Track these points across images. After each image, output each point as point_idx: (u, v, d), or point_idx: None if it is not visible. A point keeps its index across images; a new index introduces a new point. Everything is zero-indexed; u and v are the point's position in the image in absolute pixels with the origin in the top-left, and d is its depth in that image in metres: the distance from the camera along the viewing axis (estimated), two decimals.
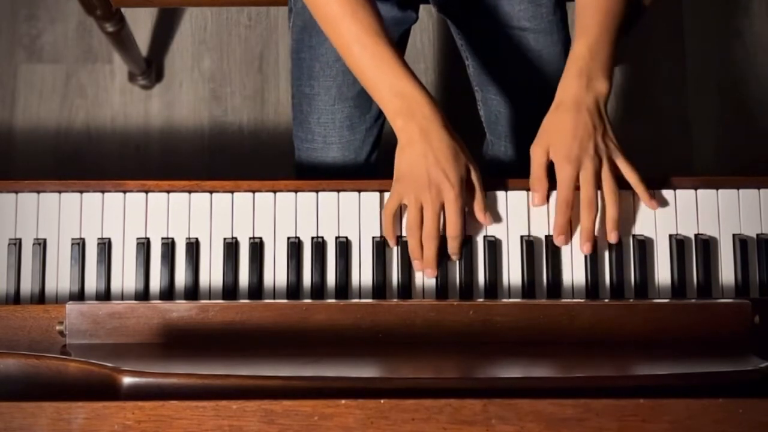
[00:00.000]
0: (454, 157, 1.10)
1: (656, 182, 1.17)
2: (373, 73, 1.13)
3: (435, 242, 1.11)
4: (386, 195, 1.15)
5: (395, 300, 1.12)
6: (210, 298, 1.13)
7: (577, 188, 1.12)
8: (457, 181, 1.10)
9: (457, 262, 1.14)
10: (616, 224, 1.12)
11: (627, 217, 1.15)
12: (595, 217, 1.12)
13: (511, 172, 1.37)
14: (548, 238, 1.14)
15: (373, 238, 1.14)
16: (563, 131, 1.12)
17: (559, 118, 1.14)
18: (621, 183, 1.14)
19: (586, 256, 1.14)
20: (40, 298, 1.13)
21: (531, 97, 1.34)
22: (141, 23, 2.04)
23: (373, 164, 1.37)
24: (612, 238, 1.13)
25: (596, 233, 1.13)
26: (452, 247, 1.12)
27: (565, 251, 1.15)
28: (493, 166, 1.41)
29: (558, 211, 1.12)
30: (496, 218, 1.15)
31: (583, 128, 1.12)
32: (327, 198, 1.15)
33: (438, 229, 1.11)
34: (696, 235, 1.15)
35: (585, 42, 1.14)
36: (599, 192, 1.13)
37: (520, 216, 1.15)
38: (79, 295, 1.12)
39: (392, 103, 1.12)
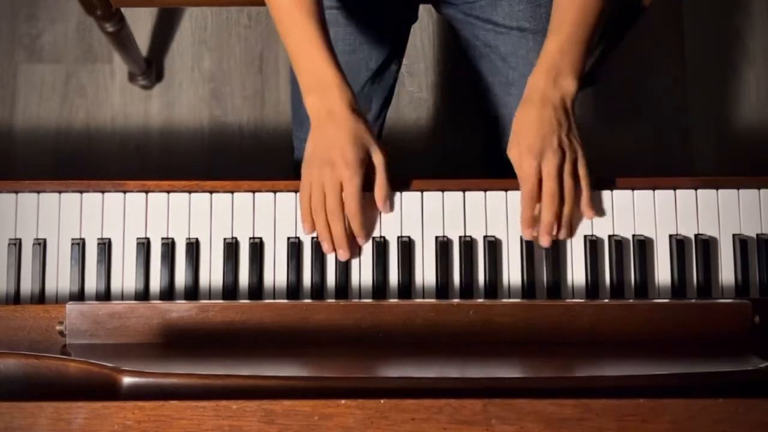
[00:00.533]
0: (354, 137, 1.11)
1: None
2: (297, 49, 1.15)
3: (340, 219, 1.11)
4: None
5: (395, 300, 1.12)
6: (210, 298, 1.13)
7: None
8: (352, 159, 1.10)
9: (457, 262, 1.13)
10: (569, 220, 1.13)
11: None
12: (556, 210, 1.12)
13: (510, 172, 1.37)
14: None
15: (373, 238, 1.14)
16: (528, 125, 1.13)
17: (525, 112, 1.14)
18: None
19: (586, 256, 1.14)
20: (40, 298, 1.13)
21: None
22: (141, 23, 2.04)
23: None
24: (563, 234, 1.13)
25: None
26: (353, 227, 1.12)
27: (565, 251, 1.15)
28: (493, 166, 1.41)
29: (523, 205, 1.13)
30: (497, 218, 1.15)
31: (548, 123, 1.12)
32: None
33: (341, 206, 1.11)
34: (696, 235, 1.15)
35: (556, 39, 1.14)
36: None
37: (519, 216, 1.15)
38: (79, 295, 1.12)
39: (307, 79, 1.15)
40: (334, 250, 1.12)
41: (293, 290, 1.13)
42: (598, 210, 1.15)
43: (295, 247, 1.14)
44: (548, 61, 1.14)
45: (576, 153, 1.13)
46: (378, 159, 1.13)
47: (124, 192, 1.15)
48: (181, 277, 1.13)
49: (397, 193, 1.16)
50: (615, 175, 1.18)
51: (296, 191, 1.15)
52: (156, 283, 1.13)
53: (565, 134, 1.13)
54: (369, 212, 1.13)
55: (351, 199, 1.11)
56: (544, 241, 1.13)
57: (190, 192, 1.15)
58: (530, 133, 1.12)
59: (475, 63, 1.37)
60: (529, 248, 1.14)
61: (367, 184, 1.12)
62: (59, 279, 1.13)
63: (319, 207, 1.11)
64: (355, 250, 1.14)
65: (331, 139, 1.11)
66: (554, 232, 1.12)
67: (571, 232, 1.14)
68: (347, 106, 1.12)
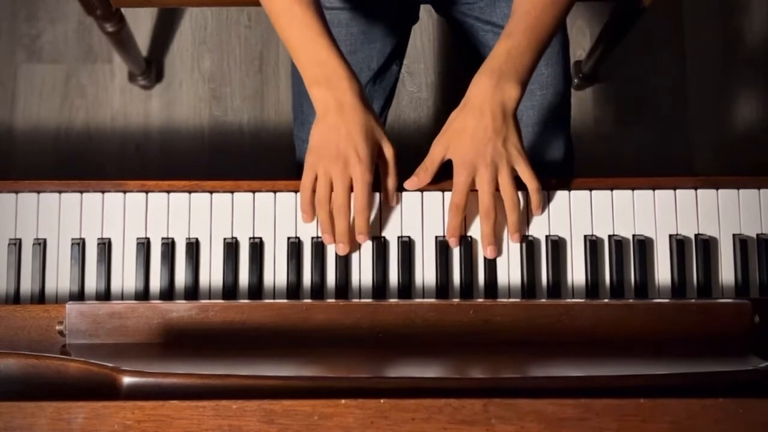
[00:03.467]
0: (366, 132, 1.10)
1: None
2: (298, 40, 1.13)
3: (346, 215, 1.11)
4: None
5: (395, 300, 1.11)
6: (210, 298, 1.13)
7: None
8: (366, 155, 1.09)
9: (457, 262, 1.14)
10: (517, 228, 1.13)
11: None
12: (493, 223, 1.12)
13: None
14: (548, 238, 1.14)
15: (374, 238, 1.14)
16: (463, 134, 1.11)
17: (462, 117, 1.12)
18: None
19: (586, 256, 1.14)
20: (40, 298, 1.13)
21: (527, 97, 1.34)
22: (141, 23, 2.04)
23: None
24: (514, 239, 1.13)
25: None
26: (358, 223, 1.12)
27: (565, 251, 1.15)
28: None
29: (449, 214, 1.13)
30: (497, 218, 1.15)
31: (483, 132, 1.10)
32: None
33: (349, 201, 1.11)
34: (696, 235, 1.15)
35: (506, 44, 1.12)
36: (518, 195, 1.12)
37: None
38: (79, 295, 1.12)
39: (312, 71, 1.12)
40: (335, 241, 1.12)
41: (293, 290, 1.13)
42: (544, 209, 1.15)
43: (295, 247, 1.14)
44: (493, 65, 1.12)
45: (513, 161, 1.12)
46: (389, 152, 1.12)
47: (124, 192, 1.15)
48: (181, 277, 1.13)
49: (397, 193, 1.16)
50: (615, 174, 1.18)
51: (297, 191, 1.15)
52: (156, 283, 1.13)
53: (502, 144, 1.11)
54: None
55: (361, 195, 1.10)
56: (489, 252, 1.13)
57: (190, 192, 1.15)
58: (464, 144, 1.11)
59: (475, 63, 1.37)
60: (529, 248, 1.14)
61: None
62: (59, 279, 1.13)
63: (324, 200, 1.11)
64: (354, 245, 1.13)
65: (342, 133, 1.10)
66: (495, 243, 1.12)
67: (520, 238, 1.13)
68: (358, 98, 1.11)
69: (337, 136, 1.10)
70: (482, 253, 1.14)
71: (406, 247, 1.14)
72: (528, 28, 1.12)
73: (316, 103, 1.12)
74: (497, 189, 1.12)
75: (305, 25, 1.12)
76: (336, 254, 1.13)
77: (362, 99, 1.11)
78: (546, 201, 1.16)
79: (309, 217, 1.13)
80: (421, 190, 1.16)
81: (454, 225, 1.12)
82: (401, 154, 1.15)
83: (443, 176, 1.15)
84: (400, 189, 1.15)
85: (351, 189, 1.11)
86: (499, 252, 1.13)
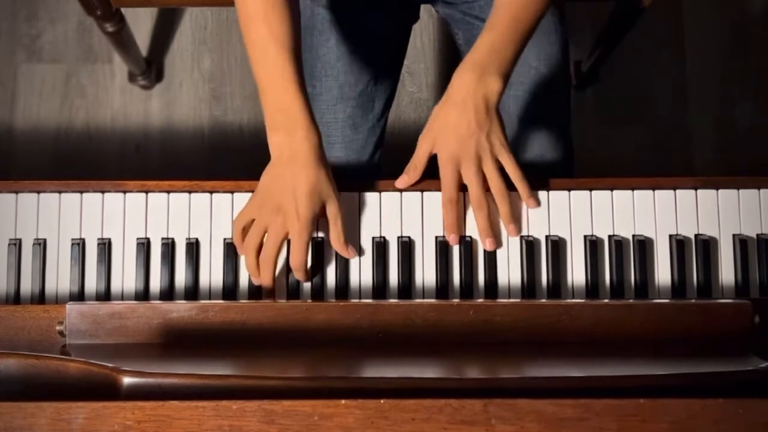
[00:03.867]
0: (311, 190, 1.08)
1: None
2: (266, 81, 1.10)
3: (271, 267, 1.09)
4: (389, 195, 1.15)
5: (395, 300, 1.11)
6: (210, 298, 1.13)
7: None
8: (305, 214, 1.08)
9: (457, 262, 1.13)
10: (510, 218, 1.12)
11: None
12: (487, 214, 1.12)
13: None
14: (548, 237, 1.14)
15: (373, 238, 1.14)
16: (447, 128, 1.12)
17: (445, 112, 1.13)
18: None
19: (586, 256, 1.14)
20: (40, 298, 1.12)
21: (527, 97, 1.34)
22: (141, 23, 2.04)
23: (376, 164, 1.37)
24: (510, 231, 1.13)
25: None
26: (297, 276, 1.11)
27: (565, 251, 1.15)
28: None
29: (443, 210, 1.13)
30: (497, 218, 1.15)
31: (466, 126, 1.11)
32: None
33: (277, 256, 1.09)
34: (696, 235, 1.15)
35: (488, 37, 1.12)
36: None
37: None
38: (79, 295, 1.12)
39: (273, 117, 1.10)
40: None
41: (293, 290, 1.13)
42: (539, 202, 1.15)
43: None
44: (475, 58, 1.12)
45: (497, 153, 1.12)
46: (332, 210, 1.11)
47: (124, 192, 1.15)
48: (181, 277, 1.13)
49: (397, 193, 1.16)
50: (615, 174, 1.18)
51: None
52: (156, 283, 1.13)
53: (485, 137, 1.11)
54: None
55: (298, 253, 1.08)
56: (487, 245, 1.13)
57: (190, 192, 1.15)
58: (448, 138, 1.11)
59: None
60: (529, 248, 1.14)
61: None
62: (59, 279, 1.13)
63: (253, 246, 1.09)
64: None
65: (288, 186, 1.08)
66: (492, 235, 1.12)
67: (517, 229, 1.13)
68: (313, 152, 1.09)
69: (282, 187, 1.08)
70: (482, 252, 1.14)
71: (406, 247, 1.14)
72: (511, 21, 1.12)
73: (272, 149, 1.10)
74: (485, 181, 1.12)
75: (276, 67, 1.09)
76: (336, 254, 1.13)
77: (318, 153, 1.09)
78: (546, 199, 1.16)
79: (240, 249, 1.12)
80: (422, 190, 1.16)
81: (450, 221, 1.12)
82: (400, 154, 1.15)
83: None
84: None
85: (283, 240, 1.09)
86: (499, 244, 1.13)
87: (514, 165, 1.13)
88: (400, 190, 1.15)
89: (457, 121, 1.11)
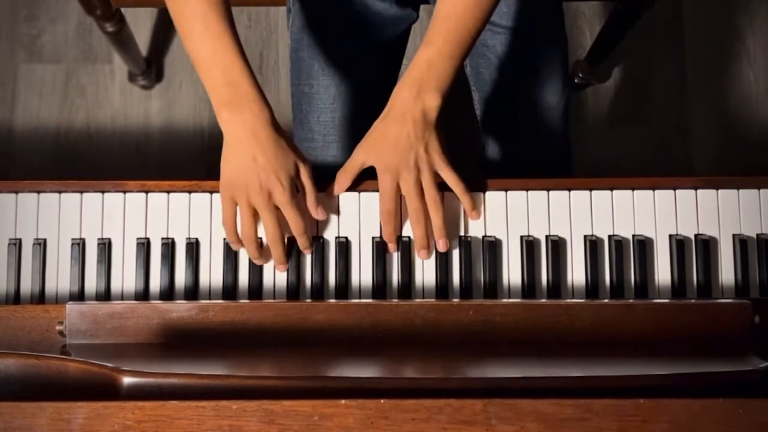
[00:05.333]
0: (283, 157, 1.08)
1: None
2: (208, 57, 1.07)
3: (282, 244, 1.10)
4: None
5: (395, 300, 1.11)
6: (210, 298, 1.13)
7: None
8: (287, 182, 1.08)
9: (457, 262, 1.13)
10: (442, 232, 1.12)
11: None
12: (424, 226, 1.11)
13: (508, 170, 1.37)
14: (548, 237, 1.14)
15: (374, 238, 1.14)
16: (385, 141, 1.11)
17: (384, 126, 1.12)
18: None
19: (586, 256, 1.14)
20: (40, 298, 1.12)
21: (527, 97, 1.34)
22: (141, 23, 2.04)
23: None
24: (441, 246, 1.12)
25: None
26: (301, 243, 1.11)
27: (565, 251, 1.15)
28: (490, 165, 1.41)
29: (382, 221, 1.12)
30: (496, 219, 1.15)
31: (405, 139, 1.10)
32: (327, 198, 1.15)
33: (280, 231, 1.09)
34: (696, 235, 1.15)
35: (426, 53, 1.12)
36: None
37: (520, 216, 1.15)
38: (79, 295, 1.12)
39: (220, 92, 1.07)
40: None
41: (293, 290, 1.13)
42: (479, 214, 1.15)
43: (295, 248, 1.14)
44: (413, 74, 1.12)
45: (437, 167, 1.12)
46: (304, 169, 1.10)
47: (124, 192, 1.15)
48: (181, 277, 1.13)
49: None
50: (615, 174, 1.18)
51: None
52: (156, 283, 1.13)
53: (423, 149, 1.11)
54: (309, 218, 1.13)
55: (295, 220, 1.09)
56: (421, 255, 1.13)
57: (190, 192, 1.15)
58: (387, 151, 1.11)
59: (473, 63, 1.37)
60: (529, 248, 1.14)
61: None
62: (59, 279, 1.13)
63: (251, 235, 1.09)
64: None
65: (261, 164, 1.07)
66: (427, 246, 1.12)
67: (448, 244, 1.13)
68: (270, 123, 1.08)
69: (255, 167, 1.07)
70: (482, 252, 1.14)
71: (406, 247, 1.14)
72: (448, 34, 1.12)
73: (225, 127, 1.08)
74: (423, 193, 1.12)
75: (218, 40, 1.07)
76: (336, 254, 1.13)
77: (273, 122, 1.09)
78: (546, 199, 1.16)
79: (238, 245, 1.12)
80: None
81: (388, 231, 1.12)
82: None
83: None
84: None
85: (278, 213, 1.09)
86: (429, 255, 1.13)
87: (455, 178, 1.13)
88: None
89: (396, 134, 1.11)
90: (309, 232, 1.11)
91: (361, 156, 1.13)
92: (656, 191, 1.16)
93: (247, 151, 1.07)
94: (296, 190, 1.10)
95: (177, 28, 1.10)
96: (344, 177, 1.14)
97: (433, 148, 1.11)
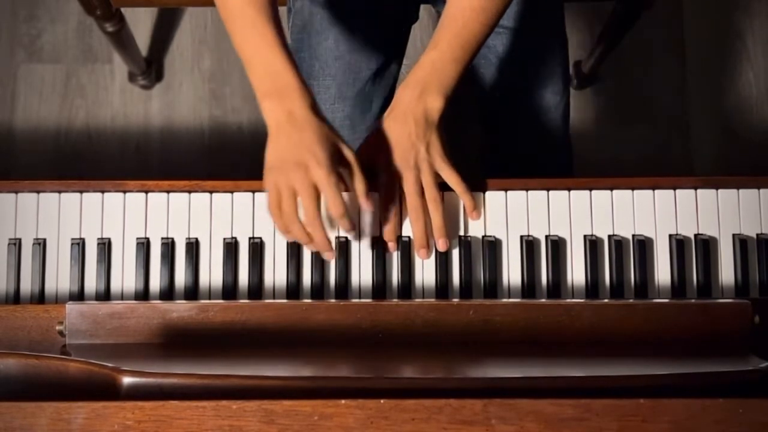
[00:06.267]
0: (321, 137, 1.07)
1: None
2: (251, 48, 1.10)
3: (320, 226, 1.08)
4: None
5: (395, 300, 1.11)
6: (210, 298, 1.13)
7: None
8: (324, 157, 1.06)
9: (457, 262, 1.13)
10: (442, 232, 1.12)
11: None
12: (424, 224, 1.11)
13: (508, 170, 1.37)
14: (548, 237, 1.14)
15: (373, 238, 1.14)
16: (387, 141, 1.12)
17: (386, 125, 1.13)
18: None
19: (586, 256, 1.14)
20: (40, 298, 1.12)
21: (527, 97, 1.34)
22: (141, 23, 2.04)
23: None
24: (440, 245, 1.12)
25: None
26: (342, 225, 1.10)
27: (565, 251, 1.15)
28: (490, 165, 1.41)
29: (382, 220, 1.13)
30: (496, 219, 1.15)
31: (406, 138, 1.11)
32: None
33: (318, 210, 1.08)
34: (696, 235, 1.15)
35: (430, 55, 1.13)
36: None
37: (520, 216, 1.15)
38: (79, 295, 1.12)
39: (263, 83, 1.10)
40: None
41: (293, 290, 1.13)
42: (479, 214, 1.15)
43: (295, 247, 1.14)
44: (417, 76, 1.13)
45: (438, 167, 1.12)
46: (349, 154, 1.10)
47: (124, 192, 1.15)
48: (181, 277, 1.13)
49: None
50: (615, 174, 1.18)
51: None
52: (156, 283, 1.13)
53: (425, 149, 1.11)
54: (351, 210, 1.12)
55: (333, 198, 1.07)
56: (420, 255, 1.13)
57: (190, 192, 1.15)
58: (387, 151, 1.12)
59: (474, 62, 1.37)
60: (529, 248, 1.14)
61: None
62: (59, 279, 1.13)
63: (293, 215, 1.08)
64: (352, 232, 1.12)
65: (297, 142, 1.07)
66: (427, 245, 1.12)
67: (448, 243, 1.12)
68: (309, 108, 1.09)
69: (291, 146, 1.07)
70: (482, 252, 1.14)
71: (406, 247, 1.14)
72: (454, 38, 1.13)
73: (267, 117, 1.09)
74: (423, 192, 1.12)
75: (259, 33, 1.09)
76: (336, 254, 1.13)
77: (314, 109, 1.09)
78: (546, 199, 1.16)
79: (290, 237, 1.11)
80: None
81: (389, 230, 1.13)
82: None
83: None
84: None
85: (317, 193, 1.08)
86: (429, 254, 1.13)
87: (456, 178, 1.13)
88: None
89: (398, 133, 1.11)
90: (350, 214, 1.09)
91: (363, 156, 1.13)
92: (656, 191, 1.16)
93: (286, 134, 1.08)
94: (339, 176, 1.09)
95: (225, 25, 1.13)
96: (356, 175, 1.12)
97: (434, 148, 1.12)
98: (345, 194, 1.10)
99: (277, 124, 1.08)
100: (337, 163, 1.09)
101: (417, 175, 1.11)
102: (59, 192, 1.15)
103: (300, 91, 1.09)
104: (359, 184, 1.09)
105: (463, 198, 1.13)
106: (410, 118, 1.11)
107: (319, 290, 1.13)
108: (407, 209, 1.12)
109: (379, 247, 1.14)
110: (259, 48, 1.09)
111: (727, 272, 1.15)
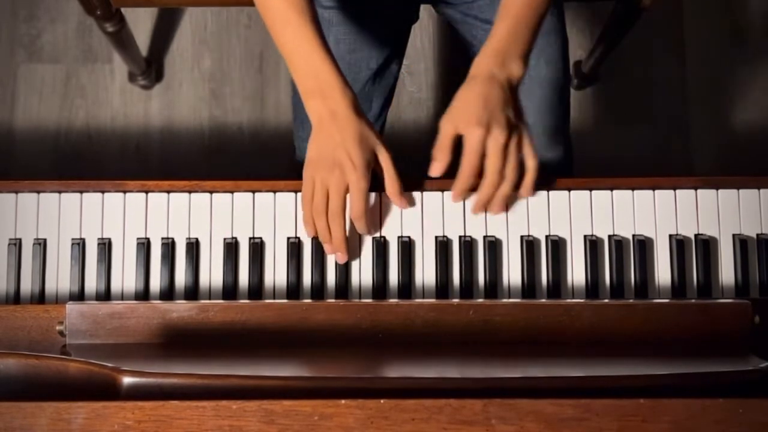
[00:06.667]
0: (359, 139, 1.10)
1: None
2: (293, 50, 1.13)
3: (341, 222, 1.11)
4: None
5: (395, 300, 1.12)
6: (210, 298, 1.13)
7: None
8: (360, 162, 1.10)
9: (457, 262, 1.13)
10: (505, 201, 1.13)
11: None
12: (495, 189, 1.12)
13: None
14: (548, 237, 1.14)
15: (373, 238, 1.14)
16: (474, 101, 1.11)
17: (470, 89, 1.12)
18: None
19: (586, 256, 1.14)
20: (40, 298, 1.13)
21: (528, 96, 1.34)
22: (141, 23, 2.04)
23: None
24: (494, 210, 1.13)
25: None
26: (358, 227, 1.13)
27: (565, 251, 1.15)
28: None
29: (460, 176, 1.12)
30: (497, 218, 1.15)
31: (495, 98, 1.11)
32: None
33: (344, 209, 1.11)
34: (696, 235, 1.15)
35: (505, 24, 1.14)
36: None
37: (519, 216, 1.15)
38: (79, 295, 1.12)
39: (306, 82, 1.13)
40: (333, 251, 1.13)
41: (293, 290, 1.13)
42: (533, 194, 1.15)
43: (295, 247, 1.14)
44: (495, 45, 1.13)
45: (521, 133, 1.12)
46: (384, 157, 1.12)
47: (124, 192, 1.15)
48: (181, 277, 1.13)
49: None
50: (615, 174, 1.18)
51: (296, 191, 1.15)
52: (156, 283, 1.13)
53: (513, 113, 1.12)
54: (372, 214, 1.14)
55: (358, 201, 1.10)
56: (475, 209, 1.14)
57: (190, 192, 1.15)
58: (477, 107, 1.10)
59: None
60: (529, 248, 1.14)
61: (372, 185, 1.12)
62: (59, 279, 1.13)
63: (321, 208, 1.11)
64: (355, 252, 1.14)
65: (336, 141, 1.10)
66: (483, 209, 1.13)
67: (504, 209, 1.14)
68: (350, 107, 1.11)
69: (332, 144, 1.10)
70: (482, 252, 1.14)
71: (406, 247, 1.14)
72: (525, 6, 1.14)
73: (311, 115, 1.13)
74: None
75: (300, 35, 1.12)
76: None
77: (355, 108, 1.12)
78: (546, 199, 1.16)
79: (312, 230, 1.13)
80: (421, 190, 1.16)
81: (462, 188, 1.12)
82: (401, 154, 1.15)
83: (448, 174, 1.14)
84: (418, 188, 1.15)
85: (346, 192, 1.11)
86: (475, 210, 1.14)
87: (533, 152, 1.13)
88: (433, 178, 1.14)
89: (485, 95, 1.11)
90: (366, 222, 1.12)
91: (450, 126, 1.12)
92: (656, 191, 1.16)
93: (327, 132, 1.11)
94: (372, 176, 1.11)
95: (265, 23, 1.16)
96: (442, 153, 1.12)
97: (519, 115, 1.13)
98: (372, 195, 1.14)
99: (320, 121, 1.12)
100: (371, 165, 1.11)
101: (506, 138, 1.10)
102: (59, 192, 1.15)
103: (342, 90, 1.12)
104: (394, 183, 1.13)
105: (530, 174, 1.13)
106: (495, 81, 1.11)
107: (319, 290, 1.13)
108: (486, 169, 1.11)
109: (379, 246, 1.14)
110: (302, 49, 1.12)
111: (727, 272, 1.15)
